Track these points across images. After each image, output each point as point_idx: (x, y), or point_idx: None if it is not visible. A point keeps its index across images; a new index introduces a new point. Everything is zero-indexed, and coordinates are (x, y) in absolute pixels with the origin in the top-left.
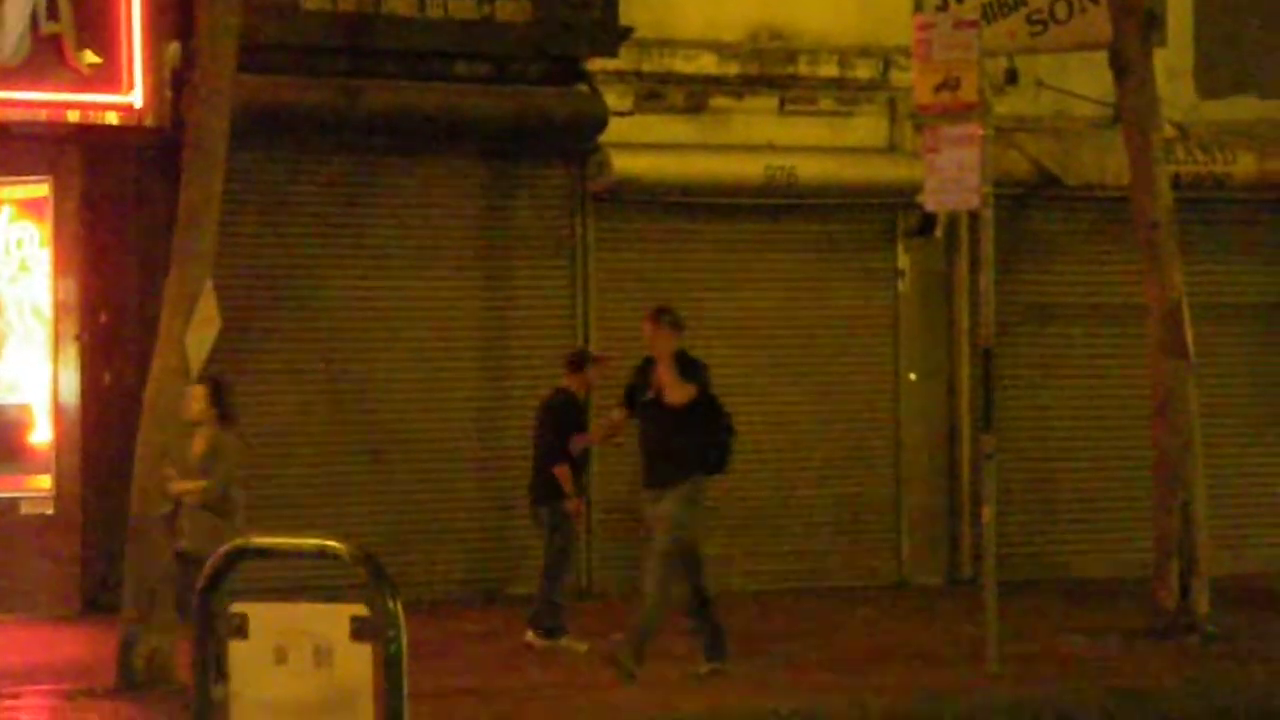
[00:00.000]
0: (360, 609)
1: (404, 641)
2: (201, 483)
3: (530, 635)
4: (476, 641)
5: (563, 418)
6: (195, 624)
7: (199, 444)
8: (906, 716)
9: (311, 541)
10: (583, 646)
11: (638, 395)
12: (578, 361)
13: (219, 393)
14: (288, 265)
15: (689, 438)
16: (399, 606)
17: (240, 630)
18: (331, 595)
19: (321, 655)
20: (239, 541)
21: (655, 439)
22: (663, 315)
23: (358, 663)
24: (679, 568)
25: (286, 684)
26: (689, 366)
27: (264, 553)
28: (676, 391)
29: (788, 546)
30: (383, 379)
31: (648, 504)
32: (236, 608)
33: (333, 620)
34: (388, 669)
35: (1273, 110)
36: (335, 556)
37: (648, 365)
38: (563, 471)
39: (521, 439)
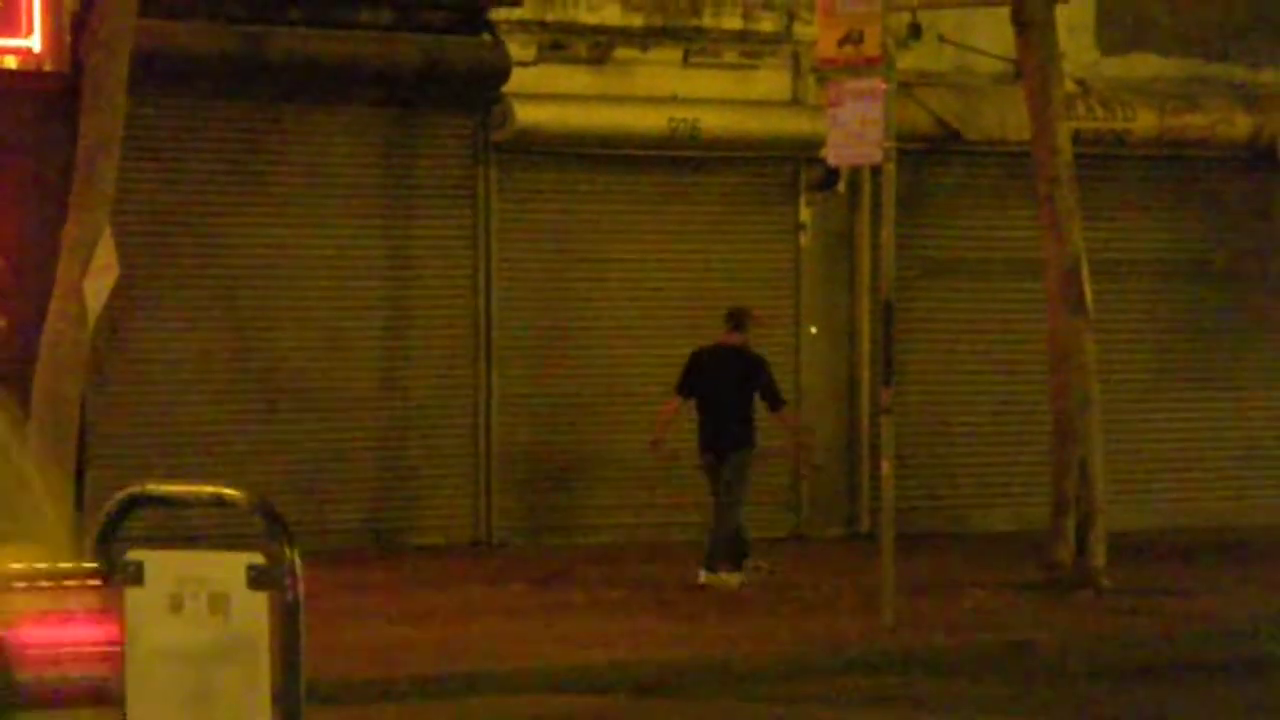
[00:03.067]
0: (257, 557)
1: (301, 590)
2: None
3: (704, 575)
4: (378, 591)
5: (764, 370)
6: None
7: None
8: (799, 666)
9: (208, 489)
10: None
11: None
12: (742, 319)
13: None
14: (188, 213)
15: None
16: (296, 555)
17: (135, 577)
18: (226, 545)
19: (218, 603)
20: (135, 488)
21: None
22: None
23: (254, 611)
24: None
25: (182, 632)
26: None
27: (161, 500)
28: None
29: (687, 498)
30: (283, 328)
31: None
32: (132, 554)
33: (229, 568)
34: (285, 618)
35: (1173, 67)
36: (232, 504)
37: None
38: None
39: (423, 389)
